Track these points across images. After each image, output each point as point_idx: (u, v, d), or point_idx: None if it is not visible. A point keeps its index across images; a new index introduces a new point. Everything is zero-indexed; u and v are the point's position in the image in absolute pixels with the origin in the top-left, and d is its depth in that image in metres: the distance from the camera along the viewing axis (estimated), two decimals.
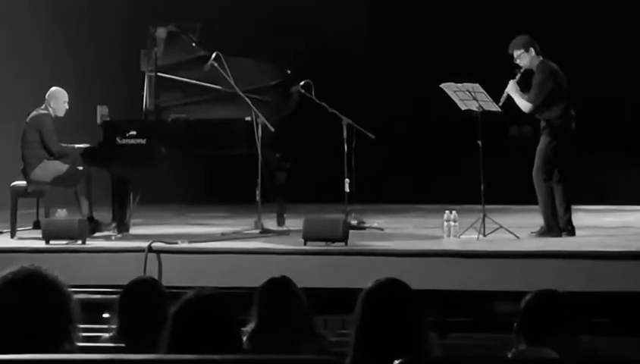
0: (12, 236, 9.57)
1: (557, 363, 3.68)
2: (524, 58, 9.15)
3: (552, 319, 3.96)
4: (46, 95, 9.86)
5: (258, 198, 9.69)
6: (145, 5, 12.95)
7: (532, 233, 9.22)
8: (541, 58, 9.17)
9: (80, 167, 9.76)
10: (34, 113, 9.79)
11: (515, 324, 4.01)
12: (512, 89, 9.14)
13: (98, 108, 9.89)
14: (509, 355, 3.90)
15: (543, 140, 9.17)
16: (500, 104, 9.16)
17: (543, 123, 9.18)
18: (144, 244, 8.47)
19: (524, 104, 9.12)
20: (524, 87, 9.18)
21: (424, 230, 10.13)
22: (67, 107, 9.87)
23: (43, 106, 9.83)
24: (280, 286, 4.72)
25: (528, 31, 9.38)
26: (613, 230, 10.01)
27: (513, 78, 9.16)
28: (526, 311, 4.01)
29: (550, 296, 4.07)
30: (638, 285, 7.65)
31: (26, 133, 9.75)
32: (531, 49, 9.14)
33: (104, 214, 9.90)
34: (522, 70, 9.16)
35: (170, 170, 10.77)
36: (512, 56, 9.20)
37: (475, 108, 9.32)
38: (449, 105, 9.50)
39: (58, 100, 9.83)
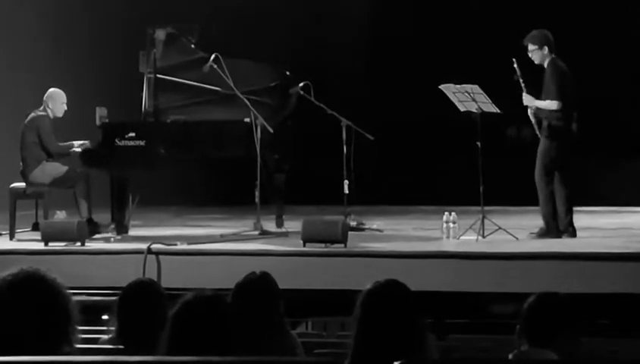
0: (11, 238, 9.56)
1: None
2: (536, 53, 9.14)
3: (554, 321, 3.96)
4: (44, 97, 9.85)
5: (257, 199, 9.68)
6: (144, 7, 12.94)
7: (531, 234, 9.22)
8: (553, 56, 9.17)
9: (79, 169, 9.75)
10: (32, 114, 9.78)
11: (517, 326, 4.02)
12: (530, 101, 9.13)
13: (97, 109, 9.88)
14: (510, 356, 3.90)
15: (544, 142, 9.16)
16: (538, 132, 9.13)
17: (544, 124, 9.17)
18: (143, 246, 8.47)
19: (548, 104, 9.08)
20: (531, 87, 9.18)
21: (423, 231, 10.13)
22: (66, 108, 9.86)
23: (41, 108, 9.82)
24: (259, 282, 4.72)
25: (527, 30, 9.38)
26: (612, 231, 10.00)
27: (522, 90, 9.14)
28: (529, 313, 4.01)
29: (553, 298, 4.07)
30: (638, 287, 7.64)
31: (25, 134, 9.73)
32: (545, 47, 9.13)
33: (103, 216, 9.89)
34: (521, 78, 9.12)
35: (169, 171, 10.78)
36: (526, 48, 9.19)
37: (474, 110, 9.32)
38: (448, 106, 9.51)
39: (56, 101, 9.82)
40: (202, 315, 3.22)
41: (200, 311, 3.23)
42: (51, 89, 9.90)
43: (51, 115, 9.79)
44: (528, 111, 9.19)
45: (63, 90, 9.93)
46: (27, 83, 12.06)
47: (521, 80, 9.13)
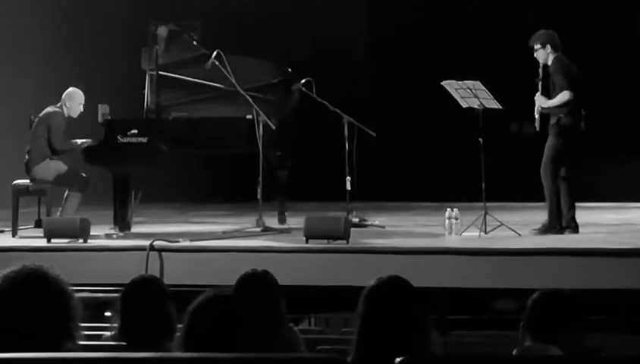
0: (14, 235, 9.58)
1: (561, 360, 3.68)
2: (540, 53, 9.18)
3: (558, 317, 3.96)
4: (63, 95, 9.87)
5: (259, 196, 9.68)
6: (147, 4, 12.94)
7: (533, 230, 9.22)
8: (557, 54, 9.17)
9: (83, 174, 9.75)
10: (48, 109, 9.81)
11: (521, 322, 4.02)
12: (542, 101, 9.14)
13: (100, 106, 9.89)
14: (514, 352, 3.91)
15: (551, 138, 9.15)
16: (538, 129, 9.15)
17: (552, 121, 9.16)
18: (146, 242, 8.47)
19: (559, 98, 9.09)
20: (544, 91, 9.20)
21: (425, 227, 10.14)
22: (82, 109, 9.88)
23: (59, 104, 9.84)
24: (260, 280, 4.75)
25: (529, 28, 9.38)
26: (614, 227, 10.01)
27: (537, 91, 9.16)
28: (533, 308, 4.01)
29: (557, 294, 4.07)
30: None
31: (36, 127, 9.76)
32: (548, 46, 9.16)
33: (105, 213, 9.90)
34: (540, 78, 9.17)
35: (171, 168, 10.78)
36: (532, 48, 9.20)
37: (476, 106, 9.33)
38: (450, 102, 9.50)
39: (74, 101, 9.84)
40: (220, 315, 3.19)
41: (220, 310, 3.20)
42: (71, 89, 9.93)
43: (66, 113, 9.81)
44: (535, 109, 9.18)
45: (65, 87, 9.94)
46: (30, 80, 12.07)
47: (540, 83, 9.16)
